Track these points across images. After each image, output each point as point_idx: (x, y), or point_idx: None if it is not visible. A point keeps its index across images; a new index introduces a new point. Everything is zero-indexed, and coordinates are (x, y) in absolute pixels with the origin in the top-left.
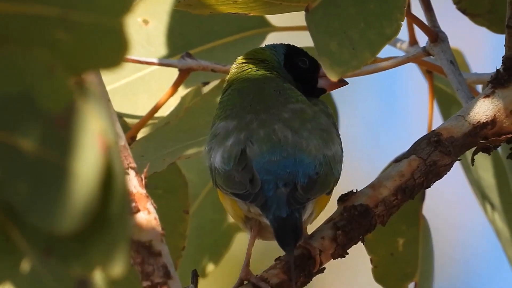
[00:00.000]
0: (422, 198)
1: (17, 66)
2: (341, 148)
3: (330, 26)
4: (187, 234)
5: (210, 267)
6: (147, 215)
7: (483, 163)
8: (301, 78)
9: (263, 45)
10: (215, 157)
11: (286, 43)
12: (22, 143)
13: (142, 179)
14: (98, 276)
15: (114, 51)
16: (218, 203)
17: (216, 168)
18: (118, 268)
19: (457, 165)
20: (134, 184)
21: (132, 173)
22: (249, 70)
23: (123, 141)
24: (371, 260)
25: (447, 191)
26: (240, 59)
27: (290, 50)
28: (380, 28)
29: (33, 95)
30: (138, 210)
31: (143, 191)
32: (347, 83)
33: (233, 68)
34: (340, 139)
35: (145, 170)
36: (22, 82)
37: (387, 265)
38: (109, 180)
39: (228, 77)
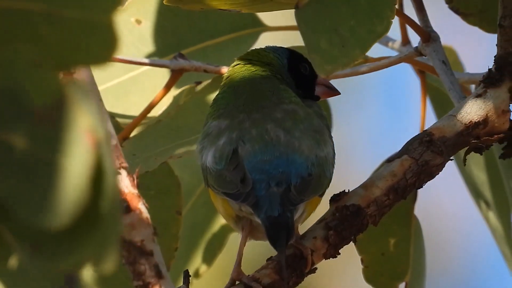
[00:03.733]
0: (414, 198)
1: (3, 61)
2: (333, 150)
3: (320, 24)
4: (180, 234)
5: (203, 267)
6: (138, 215)
7: (477, 161)
8: (300, 83)
9: (256, 45)
10: (207, 156)
11: (283, 46)
12: (11, 139)
13: (134, 179)
14: (86, 273)
15: (104, 47)
16: (212, 203)
17: (208, 167)
18: (108, 264)
19: (450, 163)
20: (126, 184)
21: (124, 173)
22: (254, 69)
23: (115, 141)
24: (362, 260)
25: (439, 190)
26: (241, 59)
27: (292, 55)
28: (370, 26)
29: (21, 90)
30: (130, 210)
31: (135, 191)
32: (339, 93)
33: (234, 67)
34: (333, 142)
35: (137, 170)
36: (8, 77)
37: (378, 265)
38: (100, 177)
39: (227, 74)
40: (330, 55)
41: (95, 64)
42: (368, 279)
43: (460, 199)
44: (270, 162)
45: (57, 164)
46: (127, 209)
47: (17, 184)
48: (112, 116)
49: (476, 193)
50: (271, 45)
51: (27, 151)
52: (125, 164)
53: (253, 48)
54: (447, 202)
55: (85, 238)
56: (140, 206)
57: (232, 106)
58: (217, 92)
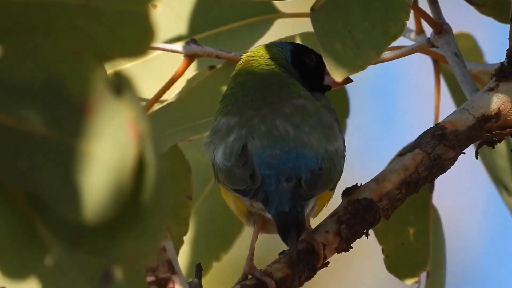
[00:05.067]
0: (432, 187)
1: (43, 54)
2: (344, 144)
3: (335, 26)
4: (196, 218)
5: (226, 247)
6: None
7: (497, 148)
8: (308, 75)
9: (270, 31)
10: (217, 153)
11: (287, 40)
12: (50, 132)
13: None
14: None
15: (140, 38)
16: None
17: (218, 164)
18: (149, 259)
19: (467, 151)
20: None
21: None
22: (257, 65)
23: None
24: (382, 250)
25: (456, 179)
26: (247, 56)
27: (296, 47)
28: (385, 27)
29: (61, 82)
30: None
31: None
32: (352, 81)
33: (240, 64)
34: (343, 136)
35: None
36: (49, 69)
37: (399, 255)
38: (142, 169)
39: (234, 72)
40: (345, 58)
41: (132, 55)
42: (389, 269)
43: (477, 187)
44: (279, 157)
45: (98, 156)
46: None
47: (56, 178)
48: None
49: (497, 180)
50: (284, 32)
51: (67, 144)
52: None
53: (266, 36)
54: (464, 190)
55: (127, 232)
56: None
57: (241, 102)
58: (229, 77)
